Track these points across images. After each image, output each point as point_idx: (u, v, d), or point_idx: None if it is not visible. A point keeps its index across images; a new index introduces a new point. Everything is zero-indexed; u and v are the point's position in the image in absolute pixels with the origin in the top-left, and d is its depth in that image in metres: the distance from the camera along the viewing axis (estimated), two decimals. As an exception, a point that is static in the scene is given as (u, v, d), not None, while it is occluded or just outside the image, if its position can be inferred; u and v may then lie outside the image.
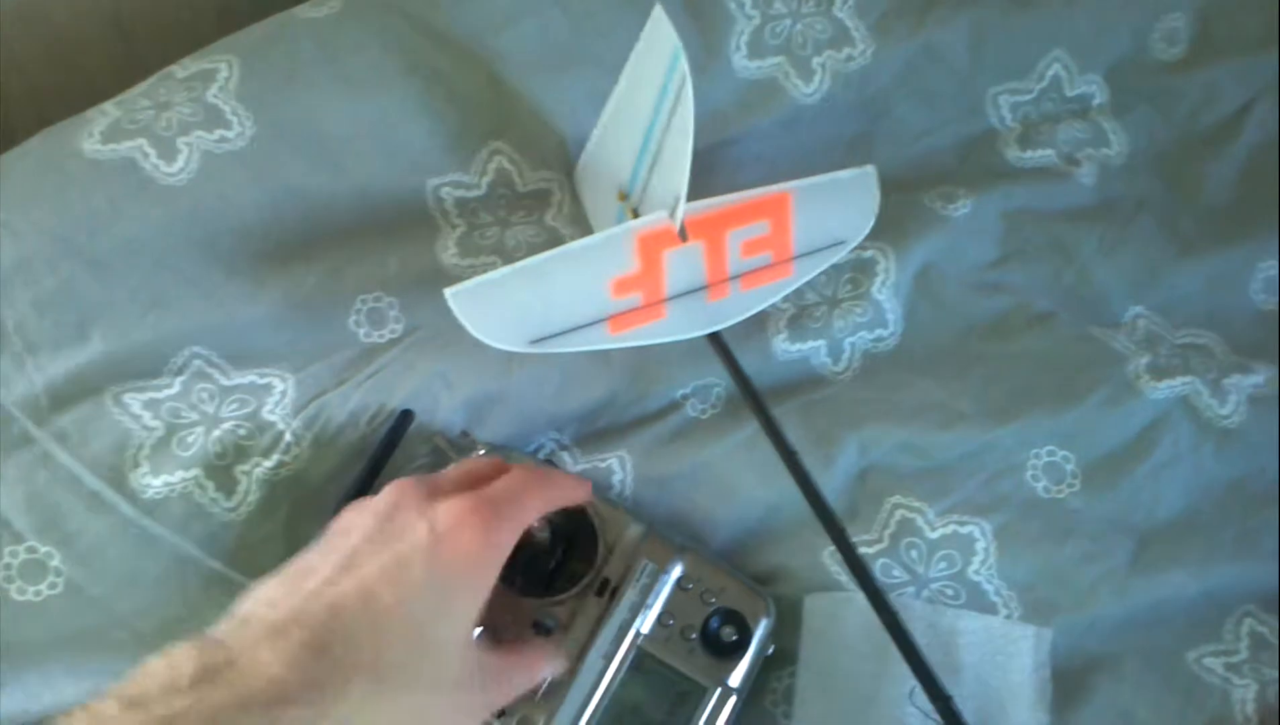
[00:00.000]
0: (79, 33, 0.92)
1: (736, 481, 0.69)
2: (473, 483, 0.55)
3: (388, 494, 0.53)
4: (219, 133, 0.71)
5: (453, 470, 0.59)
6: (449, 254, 0.73)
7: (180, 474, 0.65)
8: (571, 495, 0.60)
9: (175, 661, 0.46)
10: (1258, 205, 0.80)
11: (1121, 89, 0.83)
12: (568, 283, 0.65)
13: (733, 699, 0.61)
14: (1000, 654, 0.64)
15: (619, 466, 0.69)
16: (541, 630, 0.61)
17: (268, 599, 0.49)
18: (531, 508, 0.56)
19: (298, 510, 0.66)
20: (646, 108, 0.69)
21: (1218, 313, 0.77)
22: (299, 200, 0.72)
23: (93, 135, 0.71)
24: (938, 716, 0.60)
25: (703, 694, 0.61)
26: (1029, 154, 0.81)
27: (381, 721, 0.47)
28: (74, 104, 0.76)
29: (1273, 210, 0.80)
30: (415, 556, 0.50)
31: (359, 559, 0.50)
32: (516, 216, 0.75)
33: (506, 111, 0.76)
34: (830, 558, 0.66)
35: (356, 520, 0.52)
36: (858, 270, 0.75)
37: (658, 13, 0.66)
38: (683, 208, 0.65)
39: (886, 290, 0.74)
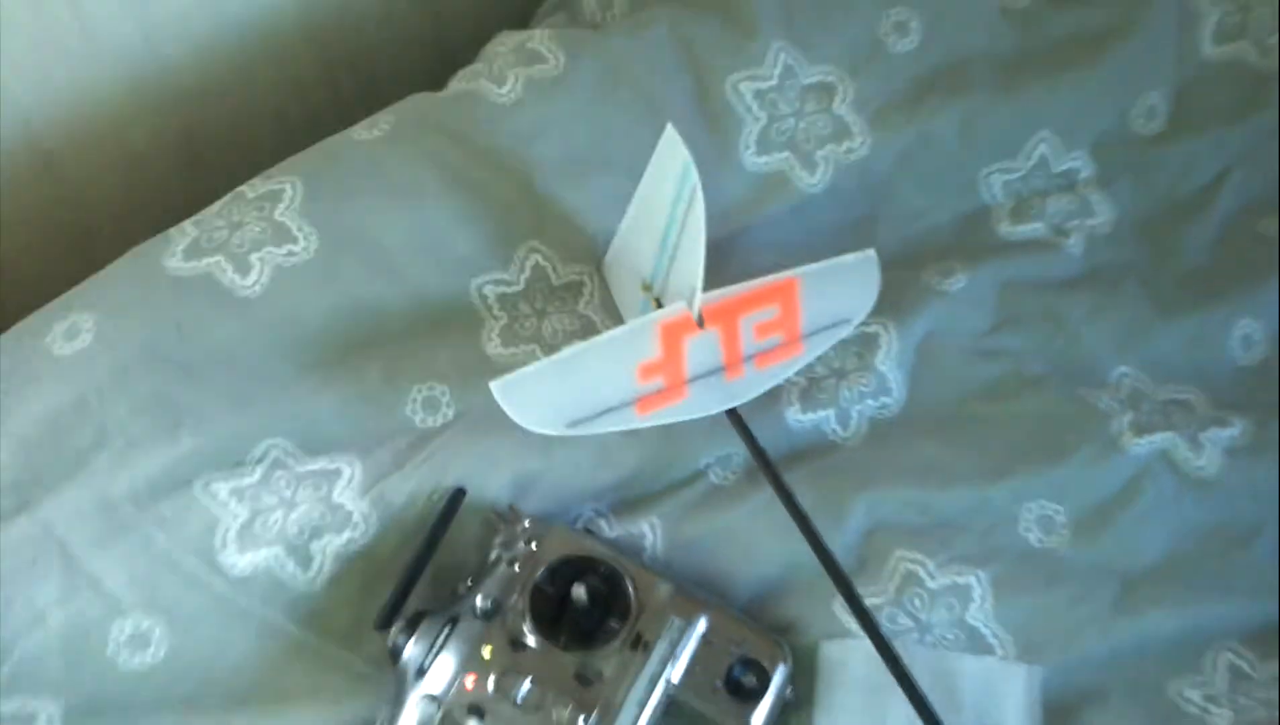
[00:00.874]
0: (150, 152, 1.04)
1: (756, 542, 0.77)
2: None
3: None
4: (287, 247, 0.82)
5: None
6: (493, 344, 0.83)
7: (263, 552, 0.75)
8: None
9: None
10: (1234, 267, 0.88)
11: (1106, 163, 0.92)
12: (598, 371, 0.74)
13: (755, 739, 0.70)
14: (996, 691, 0.72)
15: (650, 531, 0.78)
16: (583, 682, 0.70)
17: None
18: None
19: (367, 579, 0.75)
20: (664, 210, 0.78)
21: (1199, 369, 0.84)
22: (359, 304, 0.83)
23: (175, 254, 0.82)
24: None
25: (728, 735, 0.69)
26: (1020, 228, 0.90)
27: None
28: (150, 217, 0.87)
29: (1248, 271, 0.87)
30: None
31: None
32: (553, 307, 0.85)
33: (540, 214, 0.86)
34: (841, 609, 0.74)
35: None
36: (862, 344, 0.83)
37: (670, 131, 0.76)
38: (699, 298, 0.74)
39: (889, 362, 0.83)
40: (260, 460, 0.77)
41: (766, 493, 0.78)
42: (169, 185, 1.02)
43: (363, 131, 0.88)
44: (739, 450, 0.81)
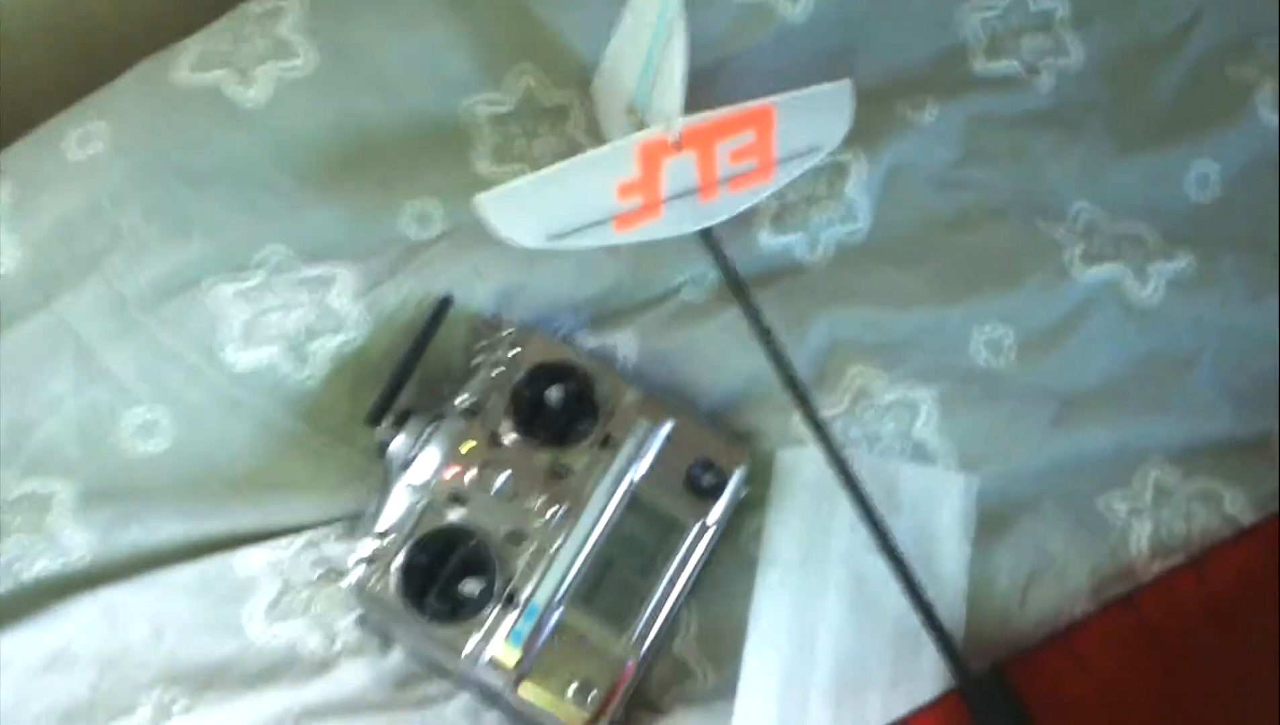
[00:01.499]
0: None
1: (722, 356, 0.79)
2: None
3: None
4: (289, 62, 0.82)
5: None
6: (484, 163, 0.83)
7: (263, 350, 0.77)
8: None
9: None
10: (1199, 108, 0.86)
11: (1081, 2, 0.89)
12: (579, 187, 0.75)
13: (710, 532, 0.72)
14: (934, 496, 0.74)
15: (624, 342, 0.79)
16: (556, 475, 0.72)
17: None
18: None
19: (359, 378, 0.77)
20: (647, 35, 0.77)
21: (1154, 206, 0.83)
22: (356, 120, 0.83)
23: (182, 67, 0.82)
24: (879, 549, 0.71)
25: (686, 528, 0.72)
26: (994, 65, 0.88)
27: None
28: (150, 33, 0.86)
29: (1212, 113, 0.86)
30: None
31: None
32: (542, 128, 0.85)
33: (531, 37, 0.85)
34: (798, 420, 0.76)
35: None
36: (833, 172, 0.83)
37: (655, -44, 0.74)
38: (678, 122, 0.73)
39: (858, 189, 0.83)
40: (262, 265, 0.78)
41: (735, 310, 0.79)
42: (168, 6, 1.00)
43: (363, -47, 0.87)
44: (710, 269, 0.81)
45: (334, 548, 0.74)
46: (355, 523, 0.74)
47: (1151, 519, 0.74)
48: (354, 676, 0.72)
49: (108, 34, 0.92)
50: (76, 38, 0.97)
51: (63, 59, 0.96)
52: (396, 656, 0.72)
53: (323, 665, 0.72)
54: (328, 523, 0.75)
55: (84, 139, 0.80)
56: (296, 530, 0.74)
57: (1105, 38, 0.88)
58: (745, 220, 0.81)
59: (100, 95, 0.83)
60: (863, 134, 0.81)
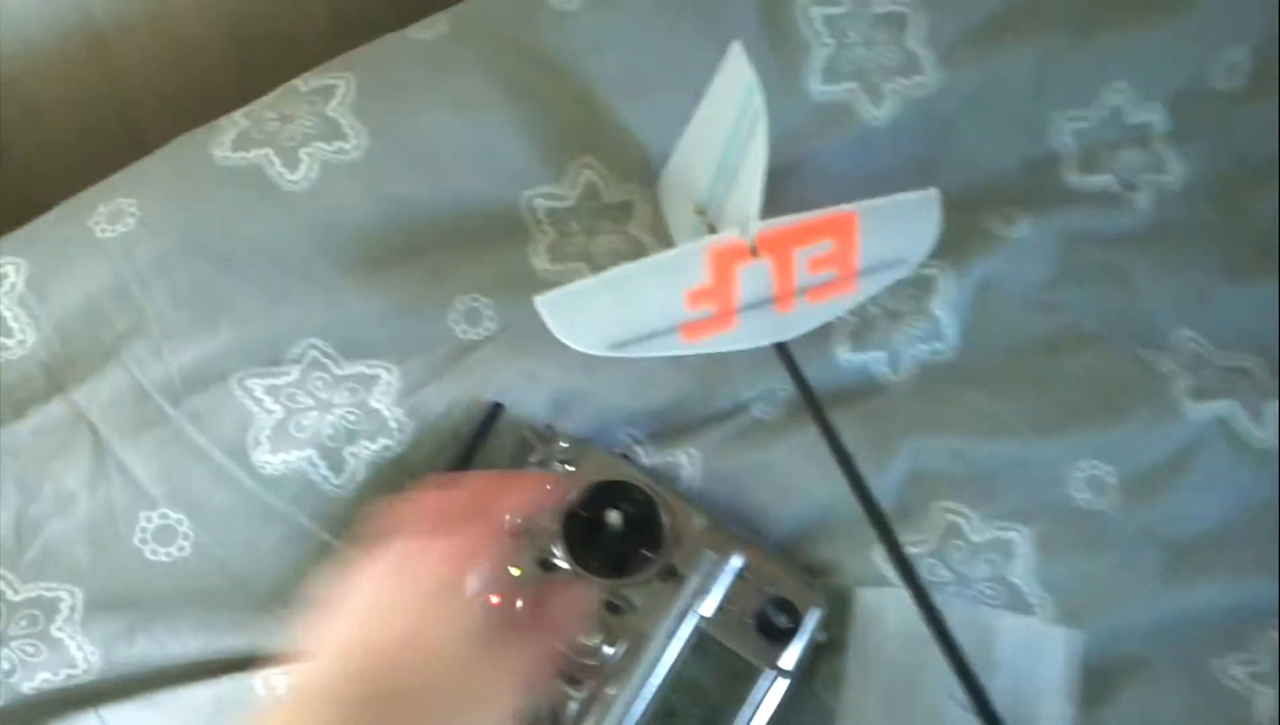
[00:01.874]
0: (201, 40, 0.98)
1: (796, 480, 0.72)
2: (470, 513, 0.56)
3: (441, 559, 0.53)
4: (337, 144, 0.76)
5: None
6: (540, 259, 0.77)
7: (296, 453, 0.70)
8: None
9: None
10: (1308, 233, 0.81)
11: (1182, 118, 0.84)
12: (646, 293, 0.68)
13: (784, 680, 0.65)
14: (1034, 652, 0.67)
15: (688, 462, 0.73)
16: (613, 610, 0.65)
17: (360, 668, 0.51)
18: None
19: (399, 488, 0.71)
20: (724, 133, 0.72)
21: (1263, 337, 0.78)
22: (406, 208, 0.77)
23: (224, 144, 0.77)
24: (973, 708, 0.63)
25: (757, 674, 0.64)
26: (1089, 178, 0.82)
27: None
28: (198, 108, 0.81)
29: (1322, 241, 0.80)
30: (465, 643, 0.52)
31: (425, 635, 0.51)
32: (603, 226, 0.79)
33: (596, 129, 0.80)
34: (880, 555, 0.69)
35: (407, 592, 0.53)
36: (918, 286, 0.77)
37: (736, 49, 0.69)
38: (755, 226, 0.68)
39: (945, 306, 0.77)
40: (298, 360, 0.72)
41: (809, 431, 0.72)
42: (218, 77, 0.97)
43: (420, 31, 0.82)
44: (783, 385, 0.75)
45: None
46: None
47: (1276, 685, 0.66)
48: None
49: (149, 108, 0.88)
50: (116, 112, 0.92)
51: (100, 133, 0.91)
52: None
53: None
54: (358, 648, 0.67)
55: (113, 216, 0.74)
56: (322, 655, 0.67)
57: (1206, 156, 0.83)
58: (822, 335, 0.75)
59: (134, 169, 0.77)
60: (949, 247, 0.76)
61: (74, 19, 0.92)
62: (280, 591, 0.69)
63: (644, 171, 0.80)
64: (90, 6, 0.93)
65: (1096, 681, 0.67)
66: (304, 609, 0.67)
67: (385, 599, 0.52)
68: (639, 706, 0.63)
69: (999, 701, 0.63)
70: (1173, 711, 0.66)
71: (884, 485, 0.71)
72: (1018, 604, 0.68)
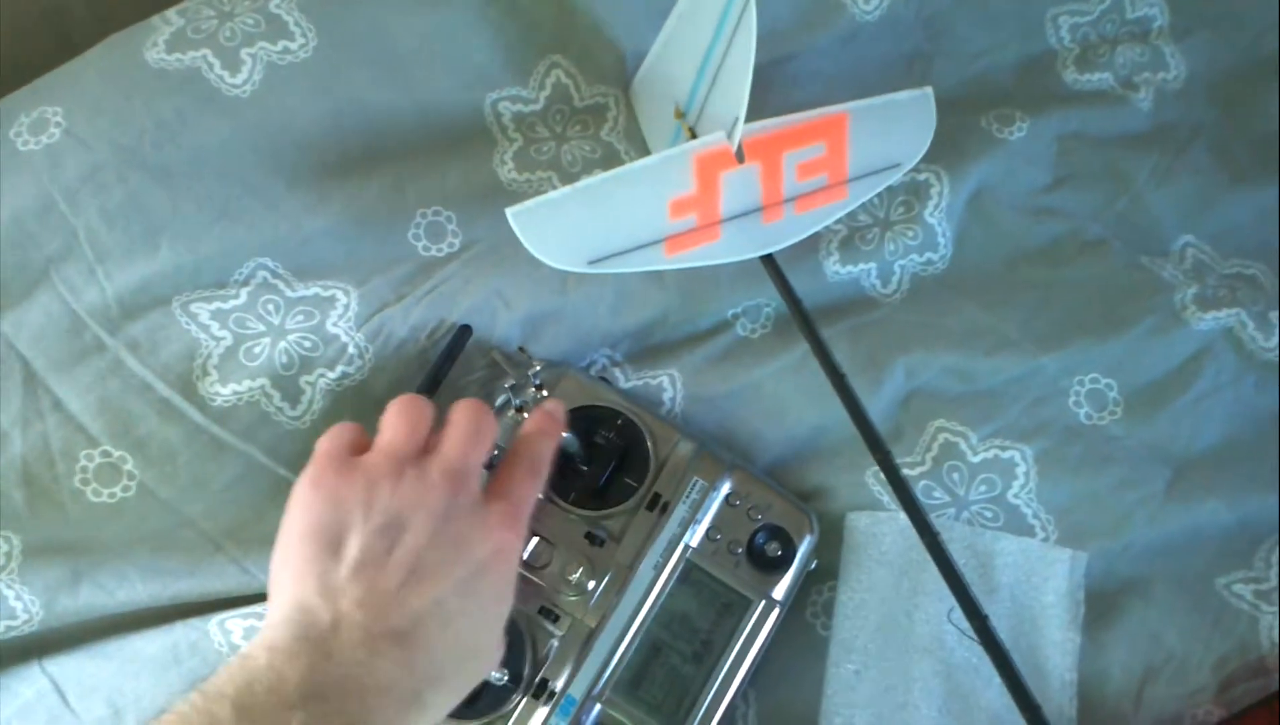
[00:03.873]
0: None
1: (784, 401, 0.72)
2: (476, 446, 0.59)
3: (435, 485, 0.56)
4: (282, 44, 0.73)
5: (456, 435, 0.59)
6: (506, 168, 0.75)
7: (247, 383, 0.68)
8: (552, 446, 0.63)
9: (280, 669, 0.49)
10: (1315, 134, 0.81)
11: (1183, 12, 0.84)
12: (626, 204, 0.67)
13: (776, 611, 0.65)
14: (1036, 575, 0.68)
15: (669, 384, 0.72)
16: (595, 542, 0.65)
17: (344, 594, 0.53)
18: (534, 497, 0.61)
19: (360, 420, 0.68)
20: (708, 27, 0.70)
21: (1268, 243, 0.78)
22: (361, 113, 0.74)
23: (157, 45, 0.73)
24: (974, 634, 0.64)
25: (747, 605, 0.64)
26: (1086, 76, 0.82)
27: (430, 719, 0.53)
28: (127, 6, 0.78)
29: (1328, 140, 0.81)
30: (481, 573, 0.55)
31: (428, 568, 0.54)
32: (573, 131, 0.77)
33: (566, 25, 0.78)
34: (874, 478, 0.69)
35: (411, 516, 0.55)
36: (911, 193, 0.76)
37: (721, -64, 0.67)
38: (741, 129, 0.66)
39: (939, 213, 0.76)
40: (246, 282, 0.70)
41: (798, 349, 0.72)
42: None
43: (373, -80, 0.79)
44: (770, 300, 0.75)
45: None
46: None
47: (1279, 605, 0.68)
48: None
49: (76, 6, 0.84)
50: (39, 10, 0.88)
51: (23, 36, 0.87)
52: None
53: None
54: (318, 590, 0.66)
55: (37, 126, 0.71)
56: (283, 596, 0.66)
57: (1209, 53, 0.83)
58: (810, 246, 0.75)
59: (59, 74, 0.74)
60: (944, 150, 0.75)
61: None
62: (235, 531, 0.67)
63: (618, 71, 0.78)
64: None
65: (1098, 604, 0.67)
66: (261, 549, 0.67)
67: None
68: (624, 643, 0.63)
69: (1000, 627, 0.64)
70: (1176, 633, 0.67)
71: (877, 404, 0.71)
72: (1018, 526, 0.69)
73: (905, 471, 0.68)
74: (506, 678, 0.61)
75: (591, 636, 0.63)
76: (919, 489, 0.69)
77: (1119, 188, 0.79)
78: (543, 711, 0.61)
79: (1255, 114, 0.82)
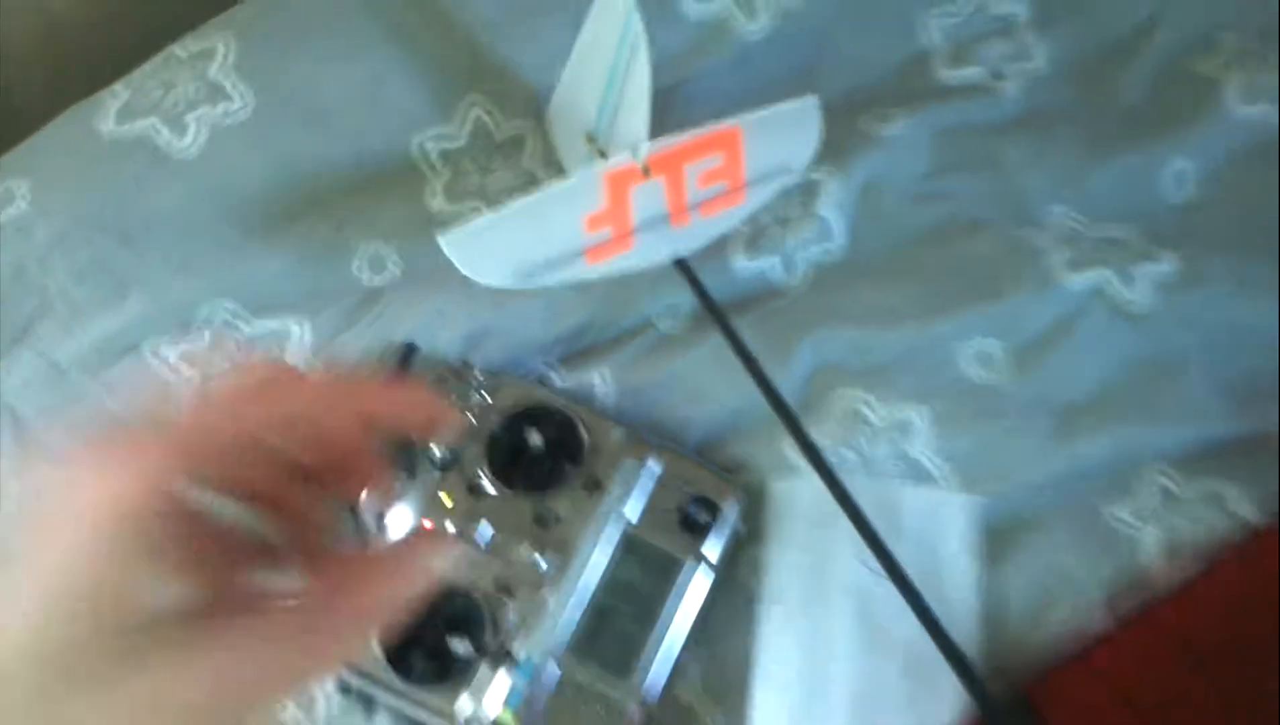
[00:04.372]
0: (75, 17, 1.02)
1: (705, 387, 0.81)
2: None
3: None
4: (223, 106, 0.83)
5: None
6: (437, 200, 0.85)
7: (217, 414, 0.77)
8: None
9: None
10: (1169, 107, 0.90)
11: (1043, 4, 0.93)
12: (546, 222, 0.76)
13: (708, 569, 0.74)
14: (938, 519, 0.76)
15: (600, 381, 0.81)
16: (542, 523, 0.73)
17: None
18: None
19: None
20: (606, 60, 0.80)
21: (1132, 207, 0.87)
22: (300, 162, 0.84)
23: (108, 116, 0.83)
24: (885, 573, 0.73)
25: (682, 567, 0.73)
26: (959, 72, 0.92)
27: None
28: (76, 82, 0.87)
29: (1183, 111, 0.90)
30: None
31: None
32: (495, 162, 0.87)
33: (480, 67, 0.88)
34: (789, 447, 0.78)
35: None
36: (806, 191, 0.86)
37: (610, -26, 0.77)
38: (645, 147, 0.76)
39: (832, 208, 0.86)
40: (208, 323, 0.79)
41: (714, 339, 0.81)
42: (93, 48, 1.01)
43: (296, -15, 0.88)
44: (686, 299, 0.84)
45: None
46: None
47: (1159, 526, 0.76)
48: (336, 751, 0.72)
49: (24, 87, 0.93)
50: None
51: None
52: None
53: (303, 740, 0.72)
54: (299, 591, 0.75)
55: (4, 199, 0.81)
56: (266, 600, 0.74)
57: (1068, 40, 0.93)
58: (719, 246, 0.84)
59: (20, 151, 0.84)
60: (832, 151, 0.84)
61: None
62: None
63: (532, 105, 0.88)
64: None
65: (997, 540, 0.76)
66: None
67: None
68: (575, 610, 0.71)
69: (908, 566, 0.73)
70: (1067, 560, 0.76)
71: (788, 382, 0.80)
72: (920, 476, 0.78)
73: (816, 439, 0.77)
74: (471, 647, 0.69)
75: (544, 606, 0.71)
76: (830, 453, 0.78)
77: (994, 170, 0.88)
78: (505, 676, 0.70)
79: (1114, 92, 0.92)
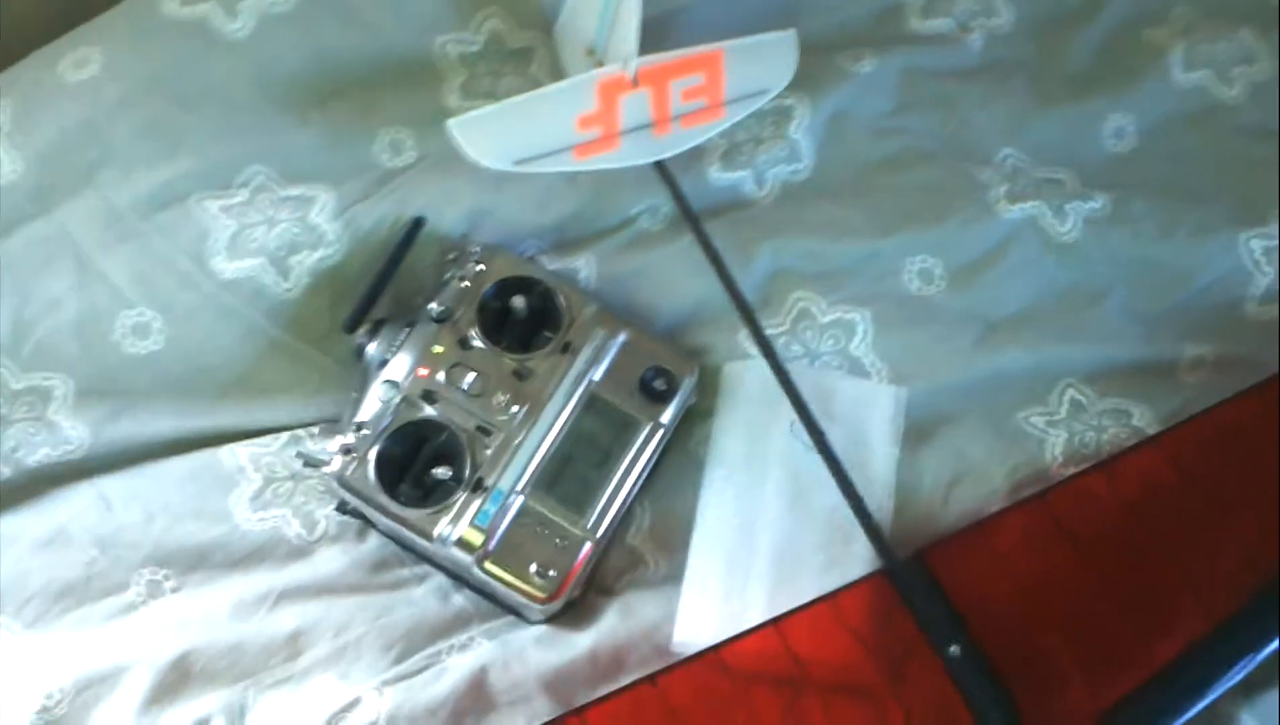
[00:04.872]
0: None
1: (675, 279, 0.93)
2: None
3: None
4: (270, -1, 0.96)
5: None
6: (453, 97, 0.97)
7: (249, 261, 0.91)
8: None
9: None
10: (1115, 69, 1.01)
11: (1012, -32, 1.05)
12: (542, 117, 0.89)
13: (662, 431, 0.86)
14: (866, 406, 0.88)
15: (584, 265, 0.93)
16: (520, 377, 0.85)
17: None
18: None
19: (337, 291, 0.91)
20: (607, -18, 0.91)
21: (1073, 153, 0.98)
22: (334, 53, 0.97)
23: (170, 1, 0.95)
24: (815, 447, 0.85)
25: (639, 427, 0.85)
26: (930, 22, 1.03)
27: None
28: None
29: (1127, 72, 1.01)
30: None
31: None
32: (507, 68, 0.99)
33: (499, -22, 1.00)
34: (745, 338, 0.90)
35: None
36: (779, 115, 0.97)
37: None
38: (634, 60, 0.87)
39: (802, 132, 0.97)
40: (246, 184, 0.92)
41: (687, 238, 0.93)
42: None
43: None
44: (665, 202, 0.95)
45: (314, 445, 0.86)
46: (333, 426, 0.86)
47: (1065, 430, 0.87)
48: (332, 561, 0.85)
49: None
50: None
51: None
52: (372, 543, 0.86)
53: (303, 551, 0.85)
54: (307, 424, 0.88)
55: (79, 63, 0.94)
56: (279, 430, 0.87)
57: (1032, 2, 1.04)
58: (696, 157, 0.96)
59: (93, 24, 0.97)
60: (806, 82, 0.96)
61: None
62: (240, 380, 0.89)
63: (542, 19, 1.00)
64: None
65: (917, 430, 0.88)
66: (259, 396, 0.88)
67: None
68: (542, 452, 0.84)
69: (837, 446, 0.85)
70: (978, 451, 0.87)
71: (749, 281, 0.92)
72: (856, 371, 0.90)
73: (769, 331, 0.89)
74: (451, 475, 0.82)
75: (516, 447, 0.83)
76: (779, 344, 0.90)
77: (950, 111, 0.99)
78: (478, 502, 0.82)
79: (1067, 51, 1.02)
